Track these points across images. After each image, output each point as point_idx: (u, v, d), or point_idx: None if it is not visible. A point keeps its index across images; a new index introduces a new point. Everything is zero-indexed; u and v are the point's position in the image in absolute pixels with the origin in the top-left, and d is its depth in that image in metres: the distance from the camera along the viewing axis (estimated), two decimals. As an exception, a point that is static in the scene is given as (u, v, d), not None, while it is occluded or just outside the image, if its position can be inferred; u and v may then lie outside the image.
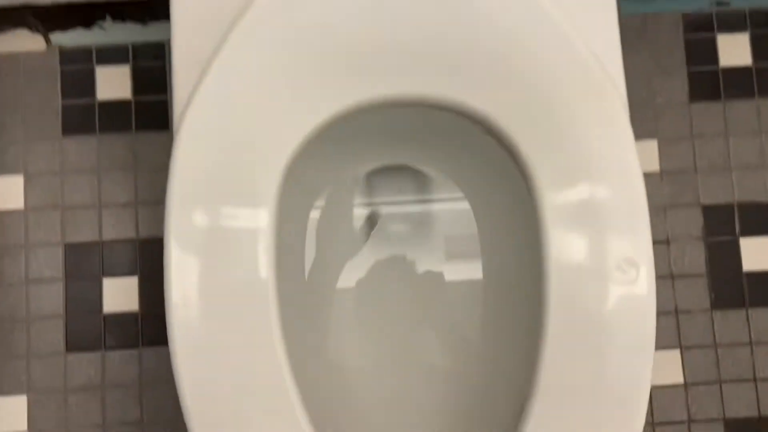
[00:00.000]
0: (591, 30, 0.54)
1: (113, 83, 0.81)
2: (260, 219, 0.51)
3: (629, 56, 0.58)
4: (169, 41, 0.55)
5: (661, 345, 0.78)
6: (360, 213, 0.68)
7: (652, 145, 0.82)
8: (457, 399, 0.63)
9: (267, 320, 0.50)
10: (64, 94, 0.81)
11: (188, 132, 0.51)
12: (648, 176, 0.52)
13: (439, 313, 0.67)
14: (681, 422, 0.79)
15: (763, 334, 0.80)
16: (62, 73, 0.81)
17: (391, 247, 0.67)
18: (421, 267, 0.67)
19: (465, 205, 0.67)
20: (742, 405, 0.79)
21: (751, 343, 0.80)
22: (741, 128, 0.83)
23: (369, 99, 0.52)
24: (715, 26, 0.84)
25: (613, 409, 0.50)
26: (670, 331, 0.80)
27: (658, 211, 0.81)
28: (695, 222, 0.81)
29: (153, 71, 0.81)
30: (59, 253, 0.79)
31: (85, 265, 0.79)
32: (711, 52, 0.84)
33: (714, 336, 0.80)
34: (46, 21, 0.79)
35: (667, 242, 0.81)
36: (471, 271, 0.66)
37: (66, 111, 0.81)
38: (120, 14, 0.79)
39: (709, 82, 0.83)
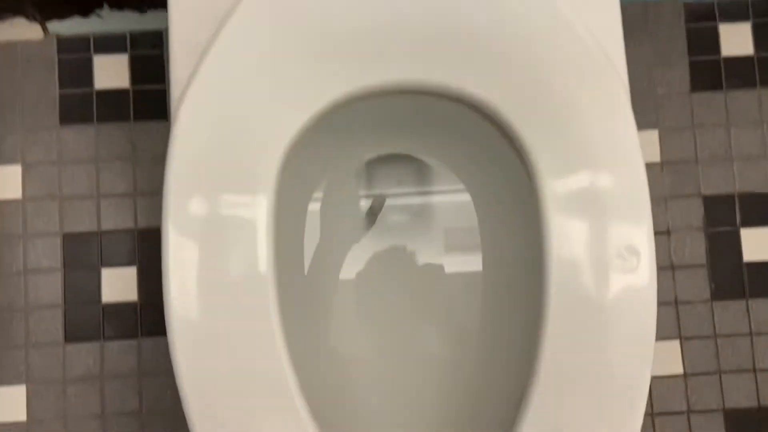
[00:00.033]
0: (593, 18, 0.54)
1: (111, 72, 0.81)
2: (259, 207, 0.50)
3: (630, 46, 0.58)
4: (167, 30, 0.55)
5: (660, 335, 0.78)
6: (359, 204, 0.67)
7: (653, 136, 0.82)
8: (456, 389, 0.63)
9: (266, 311, 0.50)
10: (62, 83, 0.81)
11: (186, 119, 0.50)
12: (649, 167, 0.52)
13: (439, 304, 0.67)
14: (680, 413, 0.79)
15: (763, 324, 0.80)
16: (60, 62, 0.81)
17: (391, 237, 0.67)
18: (421, 258, 0.67)
19: (465, 195, 0.67)
20: (741, 395, 0.79)
21: (751, 333, 0.80)
22: (742, 118, 0.82)
23: (368, 85, 0.52)
24: (717, 15, 0.84)
25: (613, 399, 0.50)
26: (670, 321, 0.80)
27: (658, 201, 0.81)
28: (696, 212, 0.81)
29: (151, 60, 0.81)
30: (57, 243, 0.79)
31: (83, 255, 0.79)
32: (712, 42, 0.83)
33: (714, 326, 0.80)
34: (43, 9, 0.79)
35: (668, 233, 0.81)
36: (471, 261, 0.66)
37: (64, 100, 0.81)
38: (117, 2, 0.78)
39: (711, 72, 0.83)
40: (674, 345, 0.80)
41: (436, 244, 0.67)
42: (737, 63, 0.83)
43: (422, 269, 0.67)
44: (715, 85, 0.83)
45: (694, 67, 0.83)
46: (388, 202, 0.67)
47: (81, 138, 0.80)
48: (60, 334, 0.78)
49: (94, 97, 0.81)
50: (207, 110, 0.51)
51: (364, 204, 0.67)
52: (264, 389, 0.49)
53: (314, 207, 0.67)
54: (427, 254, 0.67)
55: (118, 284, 0.79)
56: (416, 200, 0.68)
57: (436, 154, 0.67)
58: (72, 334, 0.78)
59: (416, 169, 0.68)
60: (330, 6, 0.52)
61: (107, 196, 0.80)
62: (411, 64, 0.52)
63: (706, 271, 0.81)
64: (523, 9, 0.52)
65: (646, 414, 0.78)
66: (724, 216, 0.81)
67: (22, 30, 0.80)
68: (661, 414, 0.79)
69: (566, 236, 0.50)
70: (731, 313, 0.80)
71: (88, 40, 0.81)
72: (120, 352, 0.78)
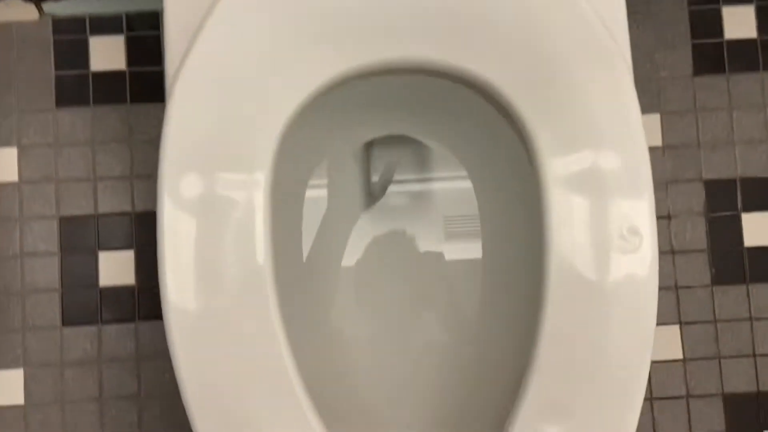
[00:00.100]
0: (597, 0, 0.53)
1: (107, 54, 0.80)
2: (256, 187, 0.50)
3: (632, 29, 0.57)
4: (163, 10, 0.54)
5: (660, 320, 0.78)
6: (358, 188, 0.67)
7: (654, 120, 0.82)
8: (456, 374, 0.63)
9: (264, 297, 0.49)
10: (58, 64, 0.80)
11: (180, 97, 0.50)
12: (650, 151, 0.51)
13: (439, 290, 0.67)
14: (679, 397, 0.79)
15: (764, 309, 0.80)
16: (55, 43, 0.80)
17: (390, 222, 0.67)
18: (420, 243, 0.67)
19: (465, 178, 0.66)
20: (741, 380, 0.79)
21: (751, 318, 0.80)
22: (745, 102, 0.82)
23: (366, 64, 0.51)
24: (720, -2, 0.83)
25: (613, 383, 0.50)
26: (670, 306, 0.80)
27: (659, 186, 0.80)
28: (697, 197, 0.81)
29: (148, 41, 0.80)
30: (54, 226, 0.79)
31: (80, 239, 0.78)
32: (716, 25, 0.83)
33: (714, 311, 0.80)
34: (38, -11, 0.78)
35: (669, 217, 0.81)
36: (471, 246, 0.66)
37: (59, 82, 0.80)
38: (113, -18, 0.77)
39: (714, 55, 0.82)
40: (674, 330, 0.80)
41: (436, 229, 0.66)
42: (740, 46, 0.83)
43: (422, 254, 0.67)
44: (717, 68, 0.82)
45: (696, 50, 0.82)
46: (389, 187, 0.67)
47: (77, 120, 0.79)
48: (57, 318, 0.78)
49: (90, 78, 0.80)
50: (202, 88, 0.50)
51: (365, 186, 0.67)
52: (263, 375, 0.49)
53: (312, 191, 0.66)
54: (426, 239, 0.67)
55: (116, 268, 0.78)
56: (416, 183, 0.68)
57: (435, 136, 0.67)
58: (69, 318, 0.78)
59: (415, 152, 0.67)
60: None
61: (104, 179, 0.79)
62: (409, 43, 0.52)
63: (707, 255, 0.80)
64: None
65: (645, 398, 0.78)
66: (726, 201, 0.81)
67: (18, 10, 0.80)
68: (660, 398, 0.79)
69: (567, 216, 0.50)
70: (731, 297, 0.80)
71: (84, 20, 0.80)
72: (118, 335, 0.78)
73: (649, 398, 0.79)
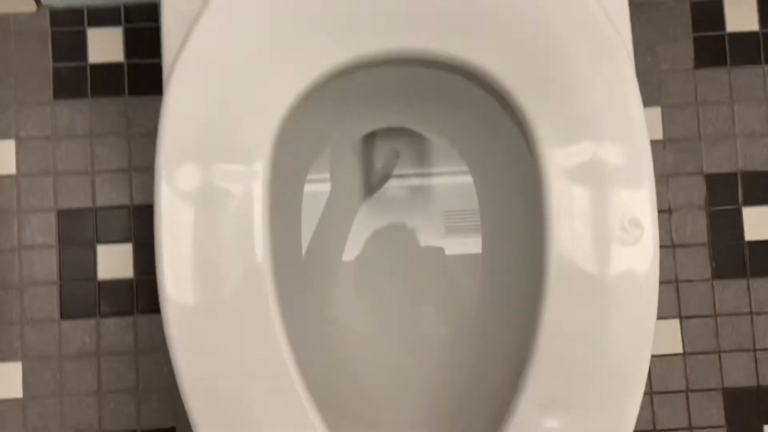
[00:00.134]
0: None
1: (105, 46, 0.79)
2: (255, 177, 0.49)
3: (634, 21, 0.57)
4: (161, 2, 0.54)
5: (660, 314, 0.77)
6: (358, 180, 0.67)
7: (655, 113, 0.81)
8: (455, 369, 0.63)
9: (263, 291, 0.49)
10: (55, 56, 0.79)
11: (177, 87, 0.49)
12: (651, 144, 0.51)
13: (438, 284, 0.67)
14: (679, 391, 0.79)
15: (764, 303, 0.80)
16: (53, 34, 0.80)
17: (390, 215, 0.66)
18: (420, 236, 0.66)
19: (465, 173, 0.66)
20: (740, 375, 0.79)
21: (751, 312, 0.80)
22: (746, 95, 0.82)
23: (366, 53, 0.51)
24: (723, -10, 0.82)
25: (613, 377, 0.50)
26: (670, 300, 0.80)
27: (660, 179, 0.80)
28: (698, 191, 0.81)
29: (146, 33, 0.80)
30: (52, 219, 0.78)
31: (78, 232, 0.78)
32: (717, 17, 0.82)
33: (714, 305, 0.80)
34: (35, -19, 0.77)
35: (669, 211, 0.81)
36: (471, 241, 0.65)
37: (57, 74, 0.79)
38: (111, -26, 0.77)
39: (715, 48, 0.82)
40: (674, 324, 0.80)
41: (436, 224, 0.66)
42: (742, 39, 0.82)
43: (422, 249, 0.66)
44: (719, 61, 0.82)
45: (698, 42, 0.82)
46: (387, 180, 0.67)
47: (75, 113, 0.79)
48: (56, 311, 0.78)
49: (89, 71, 0.79)
50: (199, 78, 0.50)
51: (365, 179, 0.67)
52: (262, 369, 0.49)
53: (311, 184, 0.66)
54: (426, 234, 0.66)
55: (114, 261, 0.78)
56: (416, 178, 0.67)
57: (434, 128, 0.66)
58: (68, 311, 0.78)
59: (415, 145, 0.67)
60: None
61: (102, 171, 0.79)
62: (409, 33, 0.51)
63: (707, 249, 0.80)
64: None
65: (645, 392, 0.78)
66: (726, 194, 0.81)
67: (15, 2, 0.79)
68: (660, 393, 0.79)
69: (567, 208, 0.50)
70: (732, 292, 0.80)
71: (82, 12, 0.80)
72: (116, 328, 0.77)
73: (649, 392, 0.79)
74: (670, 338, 0.80)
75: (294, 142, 0.56)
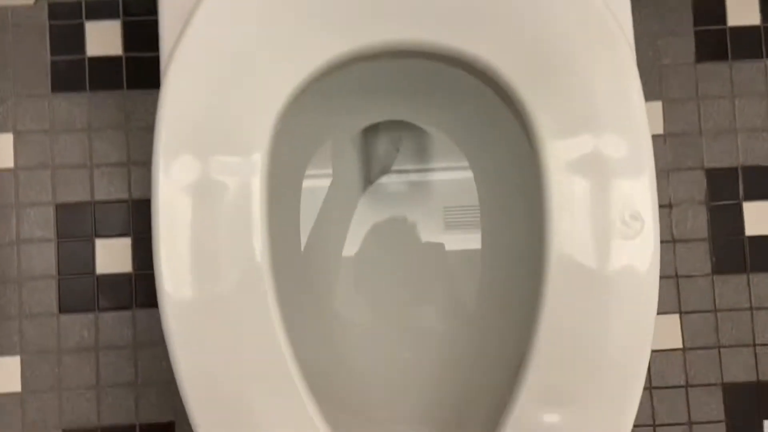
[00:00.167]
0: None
1: (103, 39, 0.79)
2: (253, 170, 0.49)
3: (634, 15, 0.56)
4: (160, -6, 0.53)
5: (661, 309, 0.78)
6: (357, 175, 0.66)
7: (656, 107, 0.81)
8: (455, 363, 0.63)
9: (261, 284, 0.49)
10: (53, 50, 0.79)
11: (175, 78, 0.49)
12: (651, 139, 0.50)
13: (438, 279, 0.66)
14: (679, 386, 0.79)
15: (764, 299, 0.80)
16: (51, 28, 0.79)
17: (390, 210, 0.66)
18: (420, 230, 0.66)
19: (464, 168, 0.66)
20: (740, 370, 0.79)
21: (751, 308, 0.80)
22: (747, 90, 0.81)
23: (365, 45, 0.50)
24: (724, -17, 0.82)
25: (612, 372, 0.50)
26: (670, 295, 0.80)
27: (661, 174, 0.80)
28: (698, 185, 0.81)
29: (144, 26, 0.79)
30: (50, 213, 0.78)
31: (76, 226, 0.78)
32: (719, 11, 0.82)
33: (714, 301, 0.80)
34: (33, -27, 0.77)
35: (670, 206, 0.80)
36: (470, 237, 0.65)
37: (55, 67, 0.79)
38: (109, -34, 0.76)
39: (717, 42, 0.82)
40: (674, 319, 0.80)
41: (435, 219, 0.66)
42: (744, 33, 0.82)
43: (420, 243, 0.66)
44: (720, 55, 0.82)
45: (699, 37, 0.82)
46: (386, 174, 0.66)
47: (73, 106, 0.79)
48: (54, 305, 0.77)
49: (87, 64, 0.79)
50: (197, 69, 0.49)
51: (364, 173, 0.66)
52: (261, 364, 0.49)
53: (310, 179, 0.66)
54: (426, 229, 0.66)
55: (113, 255, 0.78)
56: (416, 173, 0.67)
57: (434, 121, 0.66)
58: (66, 305, 0.77)
59: (415, 140, 0.67)
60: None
61: (100, 165, 0.78)
62: (408, 24, 0.51)
63: (708, 244, 0.80)
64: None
65: (645, 387, 0.78)
66: (727, 189, 0.81)
67: (12, -5, 0.79)
68: (659, 388, 0.79)
69: (568, 201, 0.49)
70: (732, 287, 0.80)
71: (80, 5, 0.79)
72: (114, 323, 0.77)
73: (649, 387, 0.79)
74: (670, 333, 0.79)
75: (292, 135, 0.55)
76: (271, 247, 0.49)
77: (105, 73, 0.79)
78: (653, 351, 0.78)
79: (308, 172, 0.65)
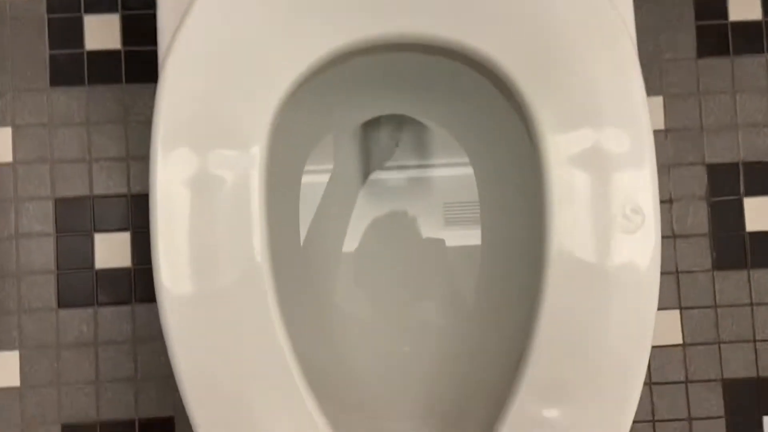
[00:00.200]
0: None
1: (102, 32, 0.79)
2: (252, 162, 0.49)
3: (636, 10, 0.56)
4: (158, -12, 0.53)
5: (661, 305, 0.78)
6: (356, 169, 0.66)
7: (657, 102, 0.81)
8: (454, 358, 0.63)
9: (261, 280, 0.49)
10: (52, 43, 0.79)
11: (173, 70, 0.49)
12: (653, 134, 0.50)
13: (438, 275, 0.66)
14: (679, 382, 0.79)
15: (764, 295, 0.80)
16: (49, 21, 0.79)
17: (390, 206, 0.66)
18: (419, 224, 0.66)
19: (465, 164, 0.66)
20: (740, 366, 0.79)
21: (751, 303, 0.80)
22: (749, 85, 0.81)
23: (365, 38, 0.50)
24: (725, -21, 0.82)
25: (612, 368, 0.49)
26: (671, 291, 0.79)
27: (661, 169, 0.80)
28: (699, 181, 0.80)
29: (143, 20, 0.79)
30: (49, 207, 0.78)
31: (75, 220, 0.78)
32: (720, 6, 0.82)
33: (714, 296, 0.80)
34: (31, -33, 0.77)
35: (670, 201, 0.80)
36: (470, 232, 0.65)
37: (54, 61, 0.79)
38: (108, -40, 0.76)
39: (718, 37, 0.81)
40: (674, 315, 0.79)
41: (435, 215, 0.66)
42: (745, 28, 0.82)
43: (420, 239, 0.66)
44: (722, 50, 0.81)
45: (701, 32, 0.81)
46: (386, 165, 0.66)
47: (72, 100, 0.78)
48: (53, 300, 0.77)
49: (85, 58, 0.79)
50: (195, 61, 0.49)
51: (363, 168, 0.66)
52: (260, 360, 0.49)
53: (309, 174, 0.65)
54: (426, 225, 0.66)
55: (112, 250, 0.78)
56: (416, 169, 0.67)
57: (434, 115, 0.66)
58: (65, 300, 0.77)
59: (415, 136, 0.66)
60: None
61: (99, 159, 0.78)
62: (408, 17, 0.51)
63: (708, 240, 0.80)
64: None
65: (644, 383, 0.78)
66: (728, 185, 0.80)
67: (11, -12, 0.79)
68: (659, 384, 0.79)
69: (568, 195, 0.49)
70: (732, 283, 0.80)
71: (79, -2, 0.79)
72: (114, 317, 0.77)
73: (648, 383, 0.79)
74: (670, 329, 0.79)
75: (291, 129, 0.55)
76: (270, 242, 0.49)
77: (104, 67, 0.79)
78: (653, 346, 0.78)
79: (307, 167, 0.65)
